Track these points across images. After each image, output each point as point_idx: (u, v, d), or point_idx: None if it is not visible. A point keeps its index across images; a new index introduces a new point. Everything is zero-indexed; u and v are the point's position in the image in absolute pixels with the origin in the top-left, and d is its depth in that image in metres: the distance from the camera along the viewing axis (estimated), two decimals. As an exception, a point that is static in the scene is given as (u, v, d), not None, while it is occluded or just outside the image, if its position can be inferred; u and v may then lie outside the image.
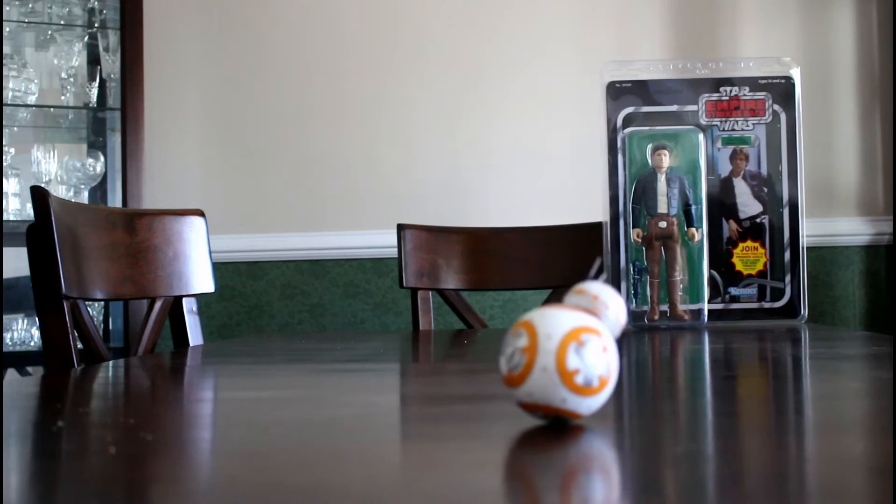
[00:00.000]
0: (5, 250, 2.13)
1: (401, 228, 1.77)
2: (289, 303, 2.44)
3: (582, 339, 0.50)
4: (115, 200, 2.45)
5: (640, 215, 1.42)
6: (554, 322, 0.51)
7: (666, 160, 1.42)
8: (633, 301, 1.42)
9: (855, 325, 2.37)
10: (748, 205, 1.45)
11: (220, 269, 2.36)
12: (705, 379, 0.85)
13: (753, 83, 1.45)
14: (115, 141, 2.46)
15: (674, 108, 1.45)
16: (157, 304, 1.40)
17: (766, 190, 1.45)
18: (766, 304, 1.45)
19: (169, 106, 2.47)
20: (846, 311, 2.37)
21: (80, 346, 1.24)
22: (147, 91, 2.36)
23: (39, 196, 1.21)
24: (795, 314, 1.45)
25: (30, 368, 2.33)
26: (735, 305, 1.45)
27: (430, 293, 1.77)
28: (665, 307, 1.41)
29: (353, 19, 2.47)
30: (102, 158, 2.45)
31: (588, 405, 0.51)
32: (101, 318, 2.43)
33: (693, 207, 1.41)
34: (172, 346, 1.46)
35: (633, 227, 1.42)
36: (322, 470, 0.43)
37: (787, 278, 1.44)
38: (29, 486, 0.42)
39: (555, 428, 0.50)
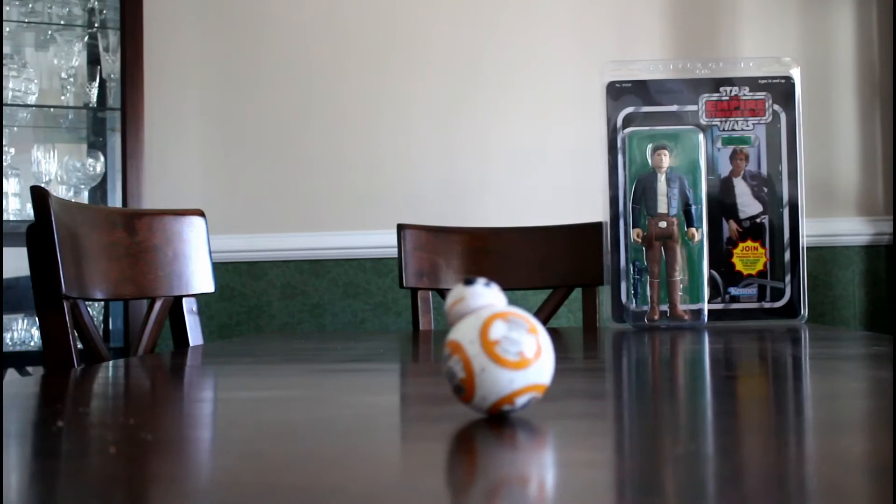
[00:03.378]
0: (5, 250, 2.13)
1: (401, 228, 1.76)
2: (289, 303, 2.44)
3: (508, 318, 0.53)
4: (115, 200, 2.45)
5: (640, 215, 1.42)
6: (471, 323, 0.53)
7: (666, 160, 1.42)
8: (634, 301, 1.42)
9: (855, 325, 2.37)
10: (748, 205, 1.45)
11: (220, 269, 2.36)
12: (705, 379, 0.85)
13: (753, 83, 1.45)
14: (115, 141, 2.46)
15: (674, 108, 1.45)
16: (157, 304, 1.40)
17: (766, 190, 1.45)
18: (766, 304, 1.45)
19: (169, 106, 2.47)
20: (846, 311, 2.37)
21: (80, 346, 1.23)
22: (147, 91, 2.36)
23: (39, 196, 1.21)
24: (795, 314, 1.45)
25: (30, 368, 2.33)
26: (735, 305, 1.45)
27: (430, 293, 1.77)
28: (665, 307, 1.41)
29: (352, 19, 2.47)
30: (102, 158, 2.44)
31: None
32: (101, 318, 2.43)
33: (693, 207, 1.41)
34: (172, 346, 1.46)
35: (633, 227, 1.42)
36: (322, 470, 0.43)
37: (787, 278, 1.44)
38: (29, 486, 0.42)
39: (555, 428, 0.50)
